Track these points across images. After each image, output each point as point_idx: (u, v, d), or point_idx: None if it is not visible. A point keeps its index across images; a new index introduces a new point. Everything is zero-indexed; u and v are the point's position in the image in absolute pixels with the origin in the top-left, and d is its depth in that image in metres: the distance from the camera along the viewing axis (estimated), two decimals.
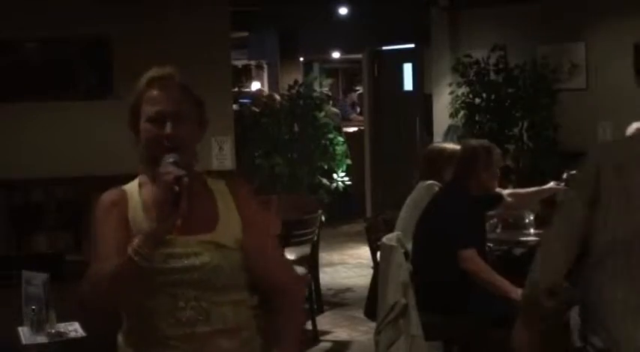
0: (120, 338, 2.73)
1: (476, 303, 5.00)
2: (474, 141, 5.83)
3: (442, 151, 6.07)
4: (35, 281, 3.78)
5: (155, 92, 2.68)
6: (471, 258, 5.00)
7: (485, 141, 5.61)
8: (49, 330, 3.70)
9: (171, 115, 2.63)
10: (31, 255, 5.66)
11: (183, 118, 2.65)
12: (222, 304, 2.63)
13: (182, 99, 2.69)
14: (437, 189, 5.77)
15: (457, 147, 6.10)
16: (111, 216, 2.66)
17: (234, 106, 9.27)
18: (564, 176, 6.01)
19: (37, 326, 3.70)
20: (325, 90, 12.02)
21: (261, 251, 2.74)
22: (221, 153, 8.32)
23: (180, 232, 2.55)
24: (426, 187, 5.88)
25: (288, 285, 2.83)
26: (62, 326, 3.76)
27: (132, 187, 2.71)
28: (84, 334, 3.70)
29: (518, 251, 6.13)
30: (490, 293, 4.99)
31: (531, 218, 6.00)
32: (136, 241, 2.49)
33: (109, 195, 2.71)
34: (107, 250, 2.59)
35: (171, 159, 2.54)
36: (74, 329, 3.75)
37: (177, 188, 2.46)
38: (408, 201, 5.97)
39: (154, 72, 2.72)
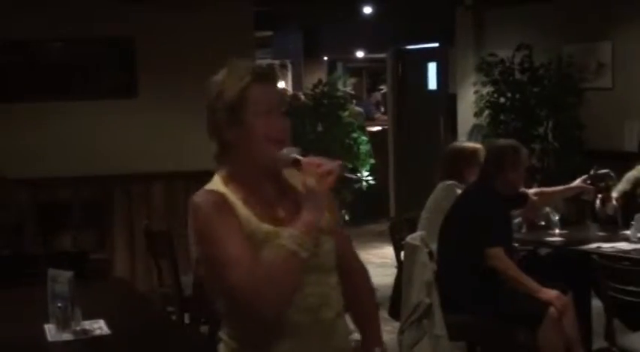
0: (227, 334, 2.60)
1: (501, 303, 4.98)
2: (501, 141, 5.81)
3: (462, 151, 6.05)
4: (61, 279, 3.80)
5: (264, 86, 2.62)
6: (498, 255, 5.00)
7: (512, 141, 5.59)
8: (75, 328, 3.72)
9: (281, 109, 2.64)
10: (56, 254, 5.69)
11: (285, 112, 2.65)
12: (334, 287, 2.65)
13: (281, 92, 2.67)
14: (456, 189, 5.76)
15: (477, 146, 6.08)
16: (225, 217, 2.52)
17: None
18: (591, 172, 5.99)
19: (63, 324, 3.72)
20: (349, 89, 12.01)
21: (340, 231, 2.79)
22: None
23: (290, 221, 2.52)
24: (445, 188, 5.87)
25: (359, 264, 2.88)
26: (87, 324, 3.78)
27: (219, 186, 2.62)
28: (109, 331, 3.72)
29: (543, 251, 6.10)
30: (515, 293, 4.98)
31: (557, 218, 5.97)
32: (287, 234, 2.44)
33: (206, 197, 2.57)
34: (240, 252, 2.44)
35: (295, 153, 2.56)
36: (99, 326, 3.77)
37: (331, 178, 2.49)
38: (429, 201, 5.96)
39: (252, 65, 2.66)
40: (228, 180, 2.62)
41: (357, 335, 3.23)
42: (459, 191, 5.77)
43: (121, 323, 3.92)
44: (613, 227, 5.92)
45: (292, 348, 2.55)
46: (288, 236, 2.43)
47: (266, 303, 2.41)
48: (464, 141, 6.90)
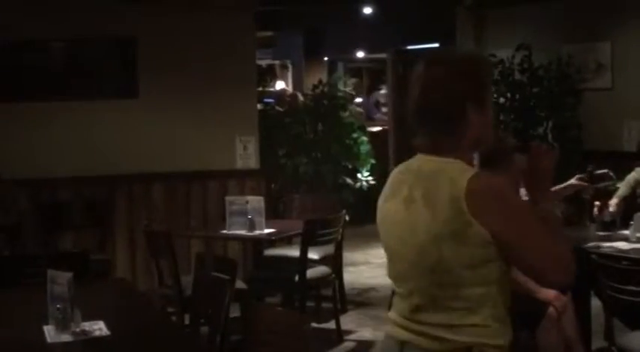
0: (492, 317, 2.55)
1: None
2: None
3: None
4: (60, 280, 3.80)
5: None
6: None
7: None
8: (74, 329, 3.72)
9: None
10: (56, 254, 5.69)
11: None
12: None
13: None
14: None
15: None
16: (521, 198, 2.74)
17: (259, 106, 9.29)
18: (588, 169, 5.97)
19: (62, 325, 3.72)
20: (349, 89, 12.01)
21: None
22: (245, 153, 8.35)
23: None
24: None
25: None
26: (87, 325, 3.78)
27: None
28: (108, 332, 3.73)
29: None
30: (514, 293, 4.98)
31: None
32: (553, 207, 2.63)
33: (500, 180, 2.52)
34: (545, 229, 2.51)
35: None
36: (99, 327, 3.78)
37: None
38: None
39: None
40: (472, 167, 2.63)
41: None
42: None
43: (120, 324, 3.93)
44: (612, 227, 5.92)
45: None
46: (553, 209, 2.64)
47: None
48: None
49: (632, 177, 6.33)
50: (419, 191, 2.54)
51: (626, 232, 5.65)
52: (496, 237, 2.43)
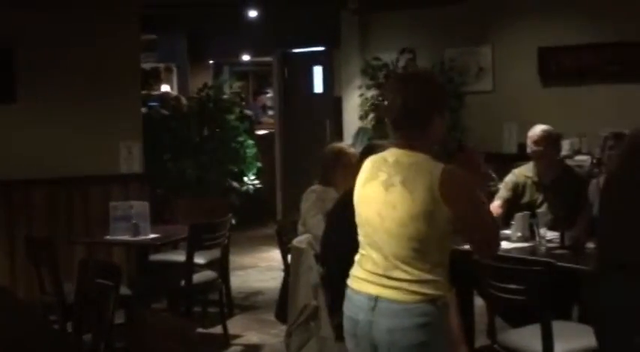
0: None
1: None
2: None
3: (331, 153, 6.09)
4: None
5: None
6: None
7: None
8: None
9: None
10: None
11: None
12: None
13: None
14: (312, 193, 5.86)
15: (344, 148, 6.12)
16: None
17: (143, 109, 9.17)
18: None
19: None
20: (235, 92, 11.97)
21: None
22: (130, 157, 8.24)
23: None
24: (308, 192, 5.94)
25: None
26: None
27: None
28: None
29: None
30: None
31: None
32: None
33: (463, 172, 3.28)
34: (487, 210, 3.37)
35: None
36: None
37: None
38: (304, 207, 5.99)
39: None
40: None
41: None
42: (313, 195, 5.85)
43: (0, 333, 3.82)
44: None
45: None
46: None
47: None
48: (337, 143, 6.88)
49: (509, 179, 6.42)
50: (397, 177, 3.25)
51: (508, 232, 5.76)
52: (457, 216, 3.20)
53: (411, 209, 3.19)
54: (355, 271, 3.42)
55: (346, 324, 3.44)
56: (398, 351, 3.21)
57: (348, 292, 3.42)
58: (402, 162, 3.28)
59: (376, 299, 3.25)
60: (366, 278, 3.32)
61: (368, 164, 3.42)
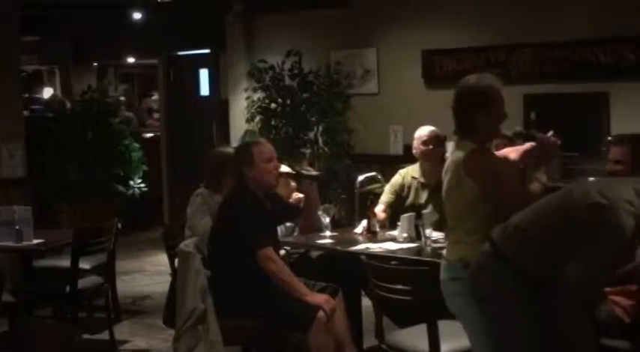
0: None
1: (274, 306, 5.04)
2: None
3: (217, 157, 6.10)
4: None
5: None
6: (269, 256, 5.05)
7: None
8: None
9: None
10: None
11: None
12: None
13: None
14: (197, 197, 5.86)
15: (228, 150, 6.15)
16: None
17: (25, 112, 8.98)
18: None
19: None
20: (120, 96, 11.84)
21: None
22: (12, 161, 8.06)
23: None
24: (193, 196, 5.95)
25: None
26: None
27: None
28: None
29: (314, 253, 6.22)
30: (288, 296, 5.05)
31: (327, 220, 6.07)
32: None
33: (481, 153, 4.07)
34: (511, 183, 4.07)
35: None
36: None
37: None
38: (189, 210, 5.97)
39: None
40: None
41: None
42: (199, 198, 5.85)
43: None
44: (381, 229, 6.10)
45: None
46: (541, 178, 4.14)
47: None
48: (226, 147, 6.87)
49: (395, 180, 6.51)
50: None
51: (394, 233, 5.84)
52: (480, 188, 3.94)
53: (450, 183, 4.10)
54: None
55: None
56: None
57: None
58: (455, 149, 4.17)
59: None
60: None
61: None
